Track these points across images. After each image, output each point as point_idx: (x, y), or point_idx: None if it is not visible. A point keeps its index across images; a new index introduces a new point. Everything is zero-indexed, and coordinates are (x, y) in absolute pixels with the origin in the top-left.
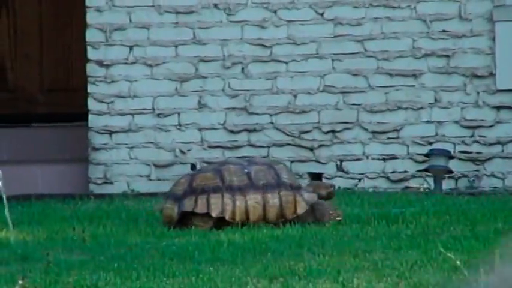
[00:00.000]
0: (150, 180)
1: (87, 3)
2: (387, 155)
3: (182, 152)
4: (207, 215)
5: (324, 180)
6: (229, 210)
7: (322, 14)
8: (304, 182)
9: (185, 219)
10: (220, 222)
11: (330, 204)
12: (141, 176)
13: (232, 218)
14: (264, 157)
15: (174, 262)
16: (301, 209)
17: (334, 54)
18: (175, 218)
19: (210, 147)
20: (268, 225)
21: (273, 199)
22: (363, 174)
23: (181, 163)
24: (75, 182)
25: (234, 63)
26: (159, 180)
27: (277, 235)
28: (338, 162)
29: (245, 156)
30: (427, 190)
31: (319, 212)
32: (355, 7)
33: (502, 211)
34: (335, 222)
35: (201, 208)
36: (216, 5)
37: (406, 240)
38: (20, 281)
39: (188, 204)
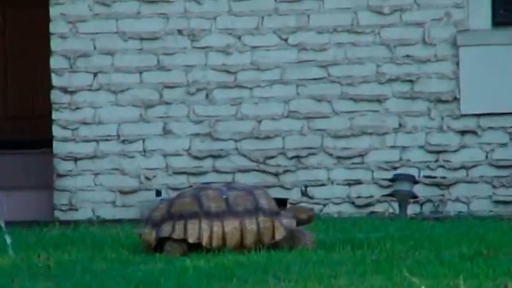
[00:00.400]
0: (115, 206)
1: (51, 30)
2: (352, 180)
3: (147, 178)
4: (184, 240)
5: (288, 206)
6: (206, 236)
7: (286, 40)
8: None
9: (163, 244)
10: (197, 248)
11: (309, 233)
12: (106, 203)
13: (210, 243)
14: (233, 183)
15: None
16: (280, 235)
17: (298, 79)
18: (153, 244)
19: (175, 173)
20: (233, 251)
21: (250, 225)
22: (328, 199)
23: (147, 189)
24: (40, 208)
25: (198, 89)
26: (124, 206)
27: (243, 261)
28: (303, 188)
29: (228, 182)
30: (392, 215)
31: (297, 239)
32: (319, 32)
33: (466, 236)
34: (301, 248)
35: (178, 234)
36: (180, 31)
37: (371, 265)
38: None
39: (165, 230)
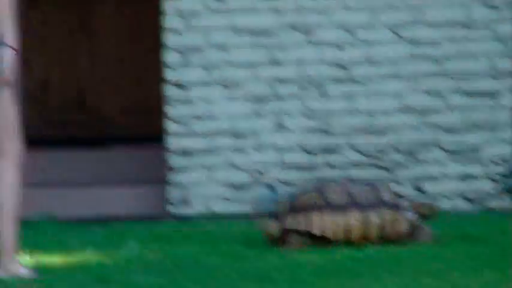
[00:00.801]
0: (228, 201)
1: (165, 25)
2: (466, 174)
3: (260, 172)
4: (308, 233)
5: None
6: (331, 228)
7: (399, 34)
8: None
9: (286, 237)
10: (319, 241)
11: (429, 228)
12: (219, 197)
13: (334, 236)
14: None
15: (252, 283)
16: (403, 229)
17: (411, 74)
18: (277, 236)
19: (288, 167)
20: (348, 246)
21: (374, 218)
22: (441, 194)
23: (259, 184)
24: (153, 203)
25: (311, 84)
26: (237, 201)
27: (357, 256)
28: (416, 183)
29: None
30: (506, 210)
31: (417, 234)
32: (433, 27)
33: None
34: (418, 243)
35: (302, 226)
36: (294, 26)
37: (485, 261)
38: None
39: (290, 222)
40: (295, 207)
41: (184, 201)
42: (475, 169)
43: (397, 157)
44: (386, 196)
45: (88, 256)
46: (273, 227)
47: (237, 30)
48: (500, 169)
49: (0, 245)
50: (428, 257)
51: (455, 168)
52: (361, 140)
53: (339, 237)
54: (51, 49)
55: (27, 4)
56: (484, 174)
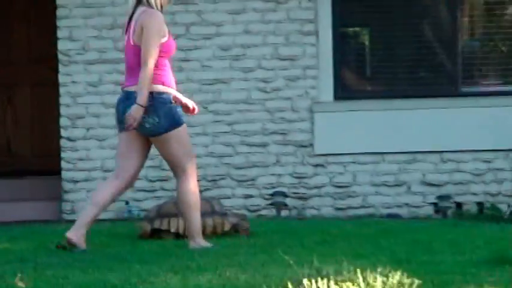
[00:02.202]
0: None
1: None
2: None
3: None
4: (168, 230)
5: None
6: (181, 227)
7: None
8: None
9: (153, 233)
10: (174, 236)
11: (247, 227)
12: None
13: (183, 233)
14: None
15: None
16: (227, 228)
17: None
18: (148, 232)
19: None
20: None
21: (209, 221)
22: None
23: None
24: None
25: None
26: (108, 211)
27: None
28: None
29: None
30: None
31: (239, 230)
32: None
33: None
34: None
35: (165, 226)
36: None
37: (261, 247)
38: None
39: (157, 223)
40: (160, 213)
41: (72, 211)
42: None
43: None
44: (217, 207)
45: None
46: (145, 227)
47: None
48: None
49: (191, 228)
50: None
51: None
52: None
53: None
54: None
55: None
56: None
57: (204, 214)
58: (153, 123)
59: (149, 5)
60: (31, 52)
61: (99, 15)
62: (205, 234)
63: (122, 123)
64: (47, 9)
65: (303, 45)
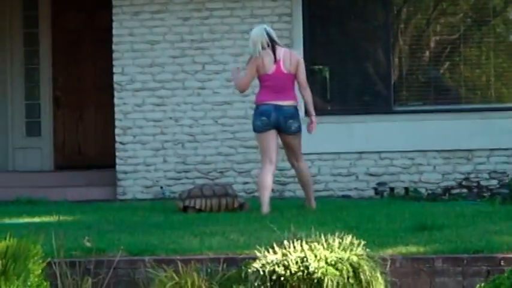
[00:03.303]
0: (144, 193)
1: None
2: None
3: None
4: (194, 207)
5: None
6: (205, 205)
7: None
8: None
9: (186, 209)
10: (200, 211)
11: (248, 206)
12: (141, 192)
13: (206, 209)
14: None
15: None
16: (236, 205)
17: None
18: (181, 208)
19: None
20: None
21: (223, 201)
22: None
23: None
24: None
25: None
26: (150, 193)
27: (204, 216)
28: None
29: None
30: None
31: (243, 209)
32: None
33: None
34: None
35: (193, 204)
36: None
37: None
38: None
39: (188, 202)
40: (190, 195)
41: (124, 193)
42: None
43: None
44: (230, 191)
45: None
46: (179, 204)
47: None
48: None
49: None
50: (242, 217)
51: None
52: None
53: (209, 210)
54: None
55: None
56: None
57: (220, 195)
58: (298, 126)
59: (278, 44)
60: (95, 83)
61: (142, 57)
62: (221, 210)
63: (267, 126)
64: (107, 53)
65: None
